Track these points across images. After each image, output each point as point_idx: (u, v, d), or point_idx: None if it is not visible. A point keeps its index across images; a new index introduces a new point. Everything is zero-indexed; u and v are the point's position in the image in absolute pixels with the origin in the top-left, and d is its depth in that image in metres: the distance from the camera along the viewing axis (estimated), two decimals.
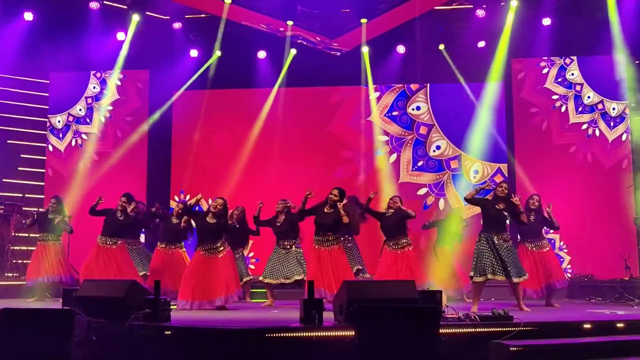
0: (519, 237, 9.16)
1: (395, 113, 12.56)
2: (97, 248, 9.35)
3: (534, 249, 8.93)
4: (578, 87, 11.99)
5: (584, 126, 11.87)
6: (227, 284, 8.15)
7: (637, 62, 11.64)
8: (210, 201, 12.05)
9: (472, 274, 7.84)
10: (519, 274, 7.72)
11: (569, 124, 11.93)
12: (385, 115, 12.57)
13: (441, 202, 12.17)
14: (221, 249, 8.30)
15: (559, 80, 12.09)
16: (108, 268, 9.09)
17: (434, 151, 12.38)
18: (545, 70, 12.17)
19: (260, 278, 9.17)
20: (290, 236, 9.12)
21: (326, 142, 12.53)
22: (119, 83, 12.84)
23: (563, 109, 12.00)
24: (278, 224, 9.16)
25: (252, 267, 11.74)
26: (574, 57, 12.07)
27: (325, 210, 8.25)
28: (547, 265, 8.85)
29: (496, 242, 7.72)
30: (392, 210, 9.00)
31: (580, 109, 11.93)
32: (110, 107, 12.81)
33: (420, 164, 12.39)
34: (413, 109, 12.51)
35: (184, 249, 9.50)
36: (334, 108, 12.68)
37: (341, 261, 8.16)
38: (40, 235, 9.95)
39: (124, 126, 12.73)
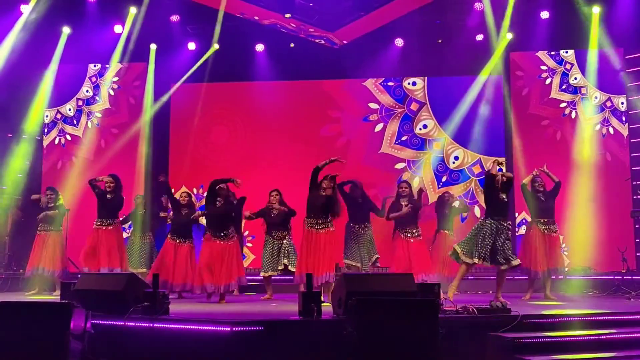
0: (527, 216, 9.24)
1: (390, 84, 12.59)
2: (92, 232, 9.35)
3: (546, 231, 9.02)
4: (583, 90, 11.97)
5: (597, 127, 11.85)
6: (238, 270, 8.25)
7: (628, 57, 11.68)
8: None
9: (460, 249, 7.70)
10: (505, 262, 7.64)
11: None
12: (380, 83, 12.59)
13: (416, 180, 12.20)
14: (231, 235, 8.32)
15: (564, 87, 12.07)
16: (99, 250, 9.10)
17: (420, 129, 12.43)
18: (548, 81, 12.14)
19: (262, 274, 9.13)
20: (283, 227, 9.10)
21: (321, 131, 12.57)
22: (112, 93, 12.81)
23: (573, 114, 11.98)
24: (273, 215, 9.11)
25: (249, 244, 11.77)
26: (574, 62, 12.05)
27: (322, 192, 8.18)
28: (553, 251, 8.96)
29: (500, 227, 7.63)
30: (407, 203, 9.06)
31: (591, 110, 11.90)
32: (100, 115, 12.79)
33: (404, 138, 12.45)
34: (409, 83, 12.56)
35: (193, 245, 9.29)
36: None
37: (330, 244, 8.09)
38: (40, 226, 9.89)
39: (108, 137, 12.71)
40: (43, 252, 9.66)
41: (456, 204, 10.43)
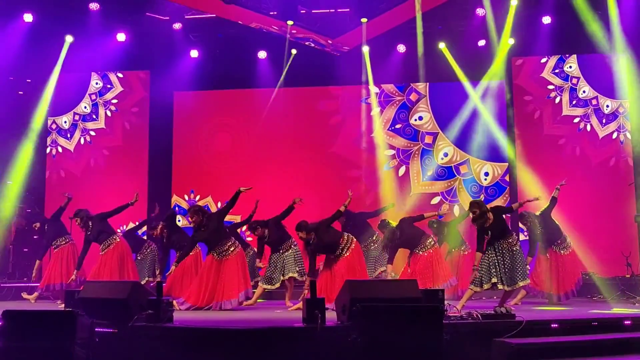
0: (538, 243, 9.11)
1: None
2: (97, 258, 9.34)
3: (561, 251, 8.96)
4: (594, 102, 11.96)
5: (615, 135, 11.82)
6: (230, 288, 8.14)
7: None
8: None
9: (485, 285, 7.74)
10: (510, 282, 7.65)
11: (600, 139, 11.86)
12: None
13: (401, 170, 12.35)
14: (232, 249, 8.29)
15: (574, 102, 12.05)
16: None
17: (415, 120, 12.51)
18: (557, 100, 12.12)
19: (260, 284, 9.04)
20: (284, 240, 8.99)
21: (326, 141, 12.58)
22: (109, 114, 12.85)
23: (589, 127, 11.95)
24: (267, 239, 8.98)
25: (249, 238, 11.73)
26: (579, 76, 12.04)
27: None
28: (568, 270, 8.90)
29: (501, 248, 7.69)
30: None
31: (604, 120, 11.88)
32: (94, 133, 12.81)
33: (398, 126, 12.54)
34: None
35: (199, 250, 9.14)
36: (334, 108, 12.73)
37: (352, 269, 8.18)
38: (54, 242, 9.80)
39: (98, 156, 12.74)
40: (58, 267, 9.62)
41: (444, 207, 10.29)
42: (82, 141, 12.84)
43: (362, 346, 4.97)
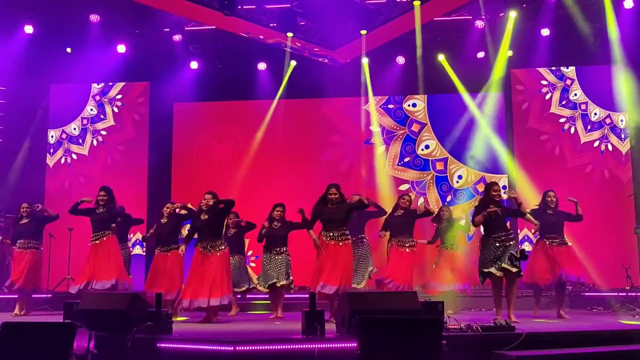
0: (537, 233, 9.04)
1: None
2: (90, 248, 8.97)
3: (553, 244, 8.75)
4: (608, 121, 12.01)
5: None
6: (214, 287, 7.96)
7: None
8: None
9: (484, 270, 7.73)
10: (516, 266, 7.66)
11: (624, 155, 11.90)
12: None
13: (381, 149, 12.57)
14: (221, 247, 8.16)
15: (589, 127, 12.09)
16: (102, 262, 8.79)
17: (409, 106, 12.70)
18: (572, 130, 12.16)
19: (258, 287, 9.05)
20: (282, 242, 8.98)
21: (326, 152, 12.65)
22: (95, 144, 12.92)
23: (610, 147, 11.98)
24: (275, 227, 8.97)
25: (252, 264, 11.71)
26: (587, 100, 12.09)
27: (330, 206, 8.11)
28: (562, 260, 8.63)
29: (499, 242, 7.70)
30: (402, 211, 9.14)
31: (623, 135, 11.93)
32: (75, 157, 12.89)
33: (390, 106, 12.74)
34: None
35: (182, 248, 8.75)
36: (333, 119, 12.79)
37: (350, 259, 8.17)
38: (18, 243, 9.49)
39: (74, 182, 12.77)
40: (26, 272, 9.34)
41: (462, 222, 10.20)
42: (62, 161, 12.88)
43: (361, 358, 4.95)
